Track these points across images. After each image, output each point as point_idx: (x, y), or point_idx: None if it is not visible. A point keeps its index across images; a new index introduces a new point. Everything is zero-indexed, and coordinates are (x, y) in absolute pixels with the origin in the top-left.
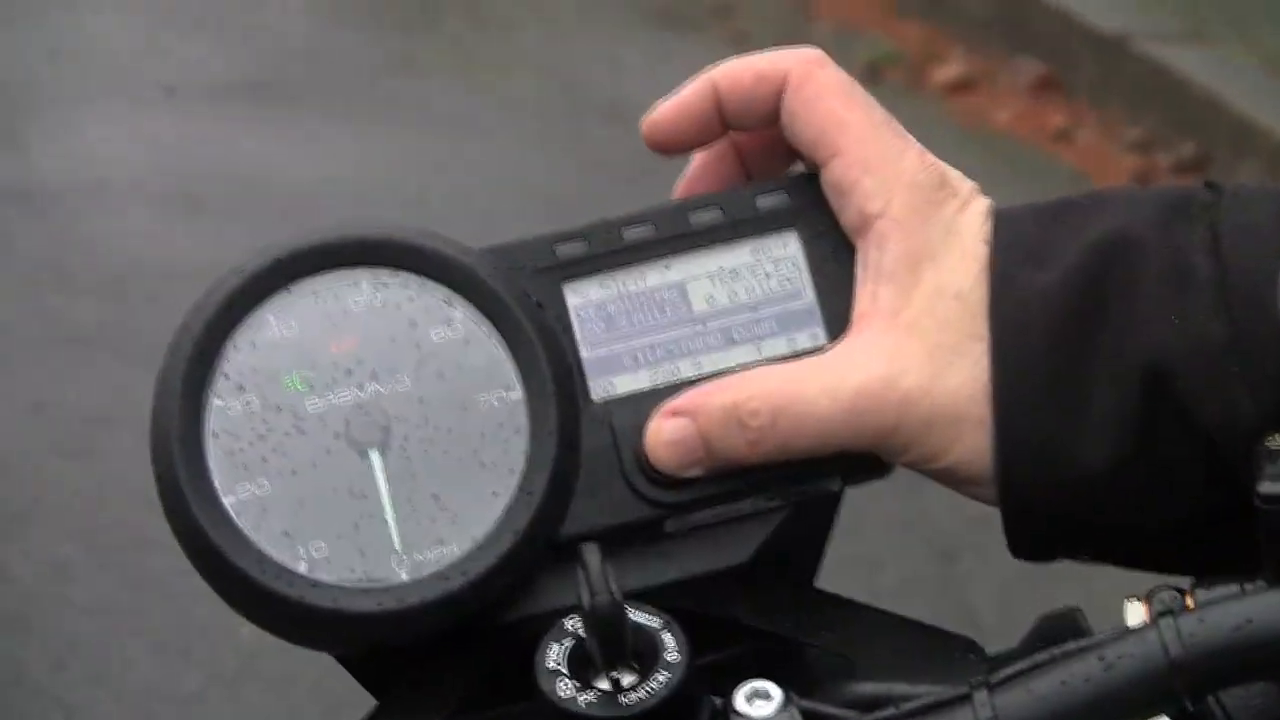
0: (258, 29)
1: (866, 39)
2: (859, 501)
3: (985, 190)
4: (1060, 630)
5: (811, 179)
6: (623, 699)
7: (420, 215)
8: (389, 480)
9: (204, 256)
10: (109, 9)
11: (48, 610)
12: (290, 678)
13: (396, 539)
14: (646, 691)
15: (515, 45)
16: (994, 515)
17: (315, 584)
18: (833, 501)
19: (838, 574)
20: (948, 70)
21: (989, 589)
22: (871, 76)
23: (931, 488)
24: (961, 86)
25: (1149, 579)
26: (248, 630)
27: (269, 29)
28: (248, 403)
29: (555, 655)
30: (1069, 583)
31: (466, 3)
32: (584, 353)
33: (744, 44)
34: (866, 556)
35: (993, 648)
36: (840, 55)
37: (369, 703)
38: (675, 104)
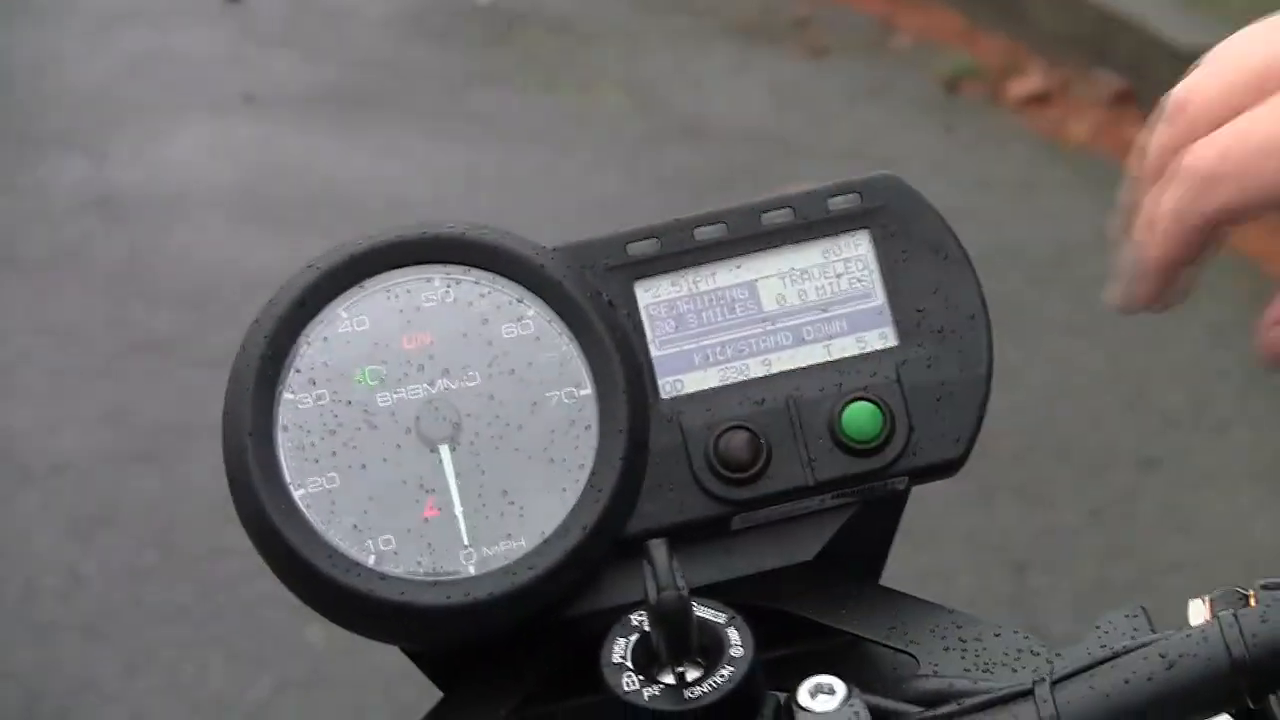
0: (339, 42)
1: (946, 53)
2: (932, 510)
3: (1063, 202)
4: (1123, 628)
5: (885, 180)
6: (687, 693)
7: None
8: (458, 475)
9: (281, 267)
10: (193, 23)
11: (121, 616)
12: (360, 682)
13: (465, 533)
14: (711, 686)
15: (595, 60)
16: (1064, 527)
17: (383, 577)
18: (899, 500)
19: (910, 586)
20: (1026, 83)
21: (1060, 601)
22: (950, 90)
23: (1001, 499)
24: (1039, 99)
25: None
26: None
27: (350, 42)
28: (319, 397)
29: (621, 649)
30: (1141, 594)
31: (547, 18)
32: (654, 351)
33: (823, 58)
34: (939, 568)
35: (1059, 645)
36: (919, 69)
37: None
38: None
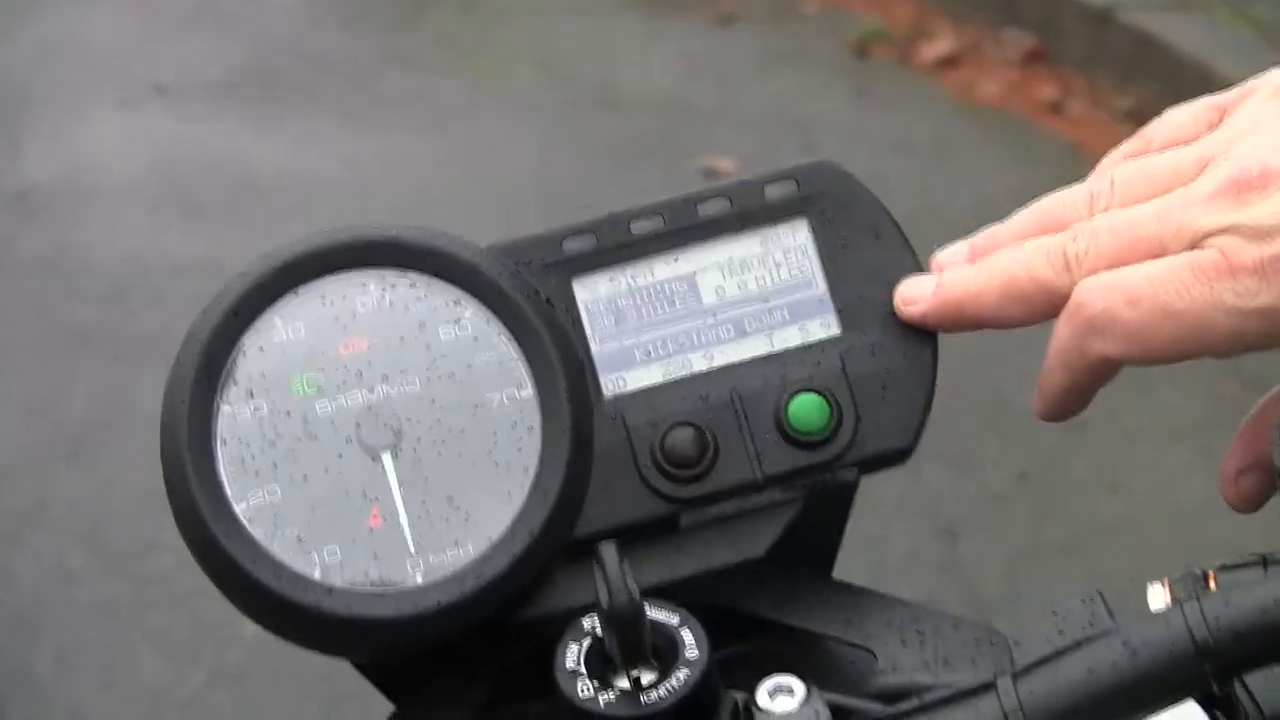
0: (248, 27)
1: (854, 18)
2: (861, 482)
3: (977, 163)
4: (1080, 615)
5: (821, 167)
6: (643, 697)
7: (416, 210)
8: (402, 483)
9: (201, 255)
10: (99, 8)
11: (54, 612)
12: (295, 671)
13: (411, 542)
14: (667, 689)
15: (504, 36)
16: (996, 493)
17: (330, 590)
18: (849, 492)
19: (842, 555)
20: (936, 46)
21: (992, 566)
22: (861, 55)
23: (932, 466)
24: (950, 61)
25: (1162, 558)
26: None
27: (260, 27)
28: (257, 408)
29: (574, 655)
30: (1072, 559)
31: None
32: (595, 348)
33: (731, 25)
34: (870, 536)
35: (1012, 634)
36: (829, 34)
37: (374, 694)
38: None
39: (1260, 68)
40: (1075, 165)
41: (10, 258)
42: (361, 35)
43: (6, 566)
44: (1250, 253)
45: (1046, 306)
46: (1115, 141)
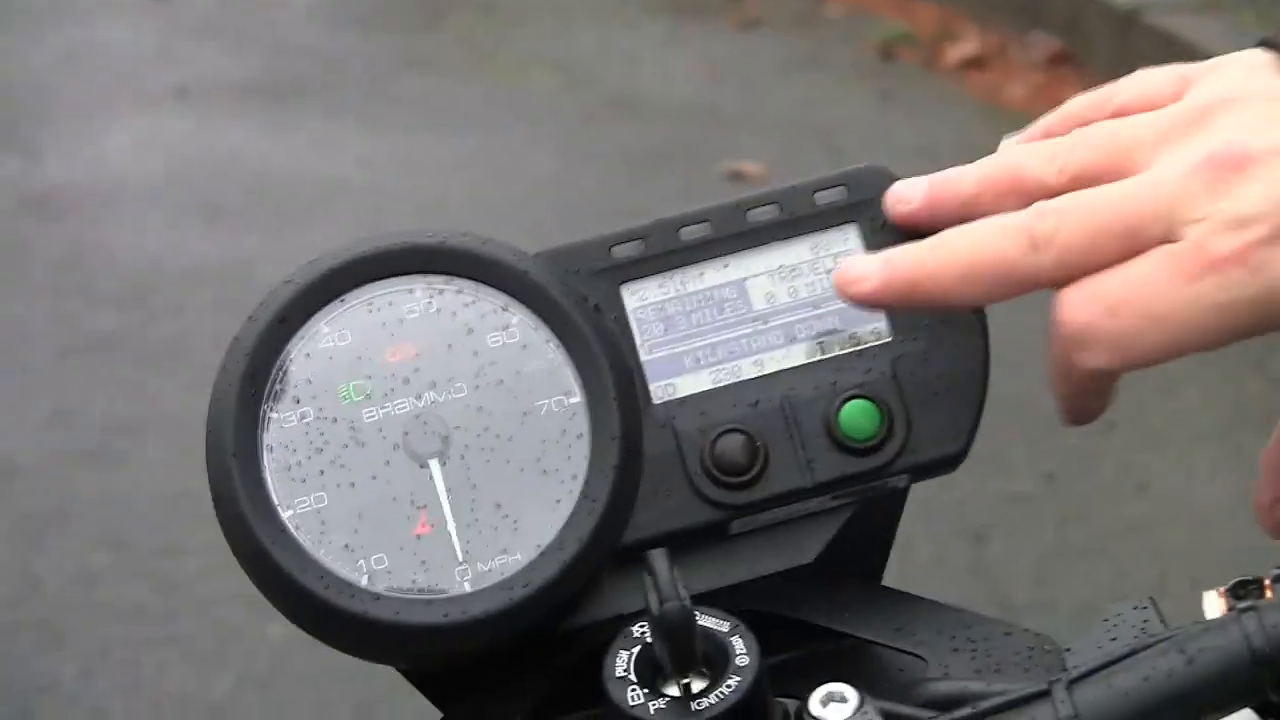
0: (266, 32)
1: (879, 21)
2: None
3: None
4: (1132, 621)
5: (871, 172)
6: (694, 705)
7: (435, 214)
8: (449, 490)
9: (221, 258)
10: (121, 15)
11: (77, 618)
12: (323, 675)
13: (459, 549)
14: (718, 697)
15: (525, 40)
16: (1023, 495)
17: (377, 596)
18: (899, 499)
19: None
20: (961, 48)
21: (1020, 569)
22: (885, 58)
23: (956, 473)
24: (976, 64)
25: (1189, 560)
26: (277, 629)
27: (277, 31)
28: (304, 415)
29: (623, 662)
30: (1099, 561)
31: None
32: (644, 355)
33: (754, 30)
34: (896, 539)
35: (1063, 640)
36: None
37: (403, 697)
38: None
39: None
40: None
41: (31, 260)
42: (380, 38)
43: (30, 568)
44: (1229, 242)
45: (1009, 287)
46: None
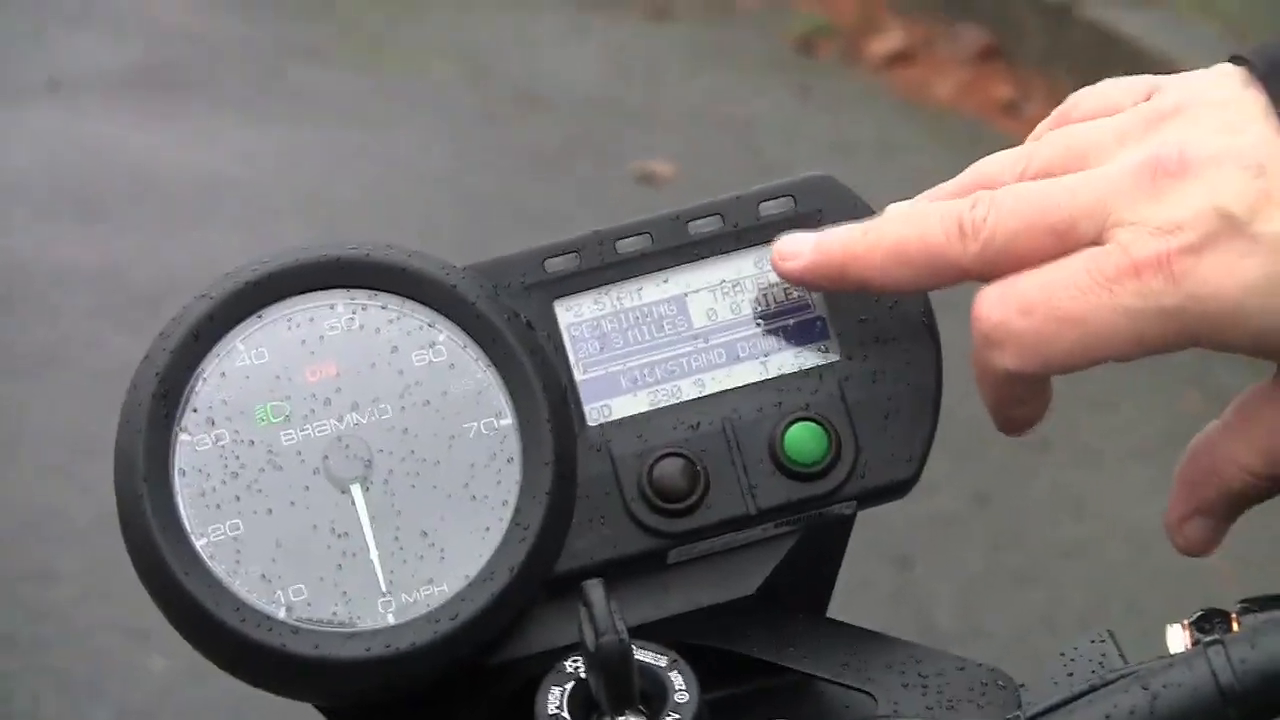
0: (145, 17)
1: (797, 12)
2: None
3: (925, 167)
4: (1090, 655)
5: (819, 181)
6: None
7: (324, 214)
8: (373, 517)
9: (97, 260)
10: None
11: None
12: (206, 710)
13: (382, 580)
14: None
15: (421, 29)
16: (947, 519)
17: (296, 630)
18: (845, 526)
19: None
20: (885, 42)
21: (946, 594)
22: (805, 50)
23: None
24: (900, 58)
25: (1126, 584)
26: (158, 664)
27: (157, 17)
28: (218, 437)
29: (556, 699)
30: (1031, 587)
31: None
32: (578, 375)
33: (664, 20)
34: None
35: (1019, 676)
36: (770, 29)
37: None
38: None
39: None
40: None
41: None
42: (265, 25)
43: None
44: (1153, 247)
45: (933, 274)
46: None
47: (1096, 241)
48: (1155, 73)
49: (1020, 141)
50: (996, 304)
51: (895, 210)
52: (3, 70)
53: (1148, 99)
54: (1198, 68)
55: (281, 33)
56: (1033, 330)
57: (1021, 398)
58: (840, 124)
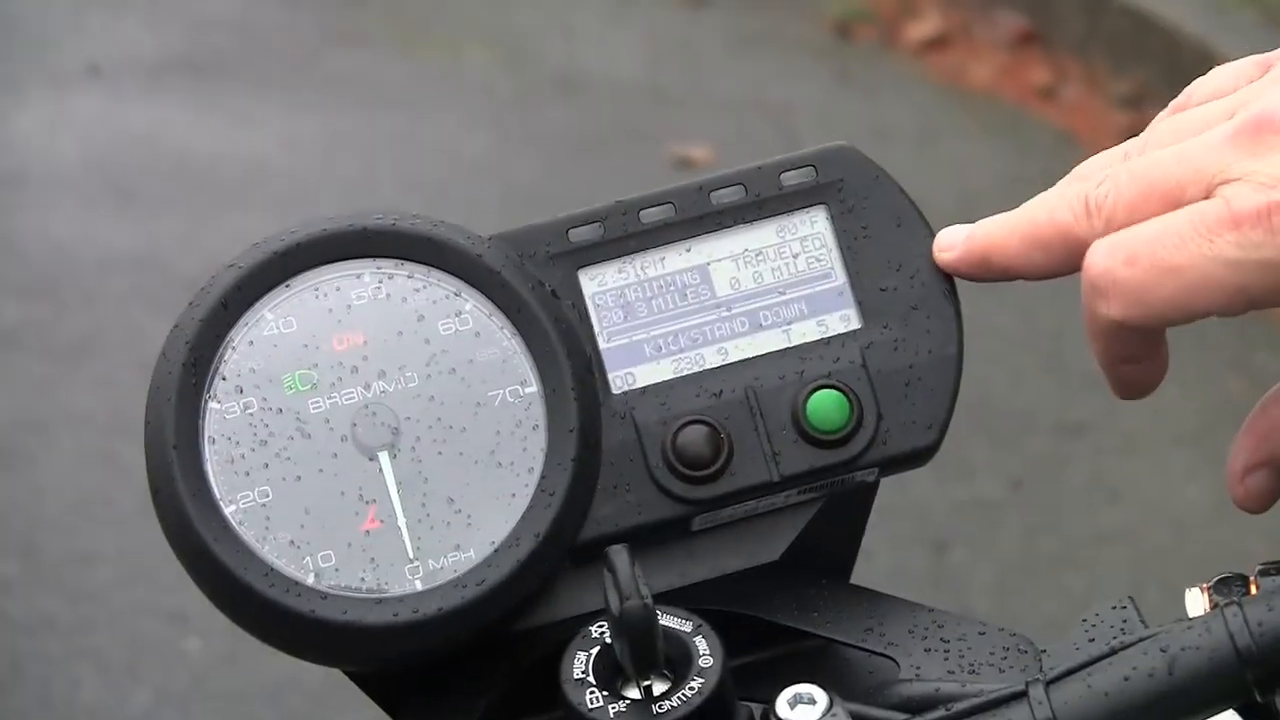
0: (183, 3)
1: None
2: None
3: (965, 153)
4: (1111, 621)
5: (840, 151)
6: (655, 708)
7: (364, 199)
8: (400, 484)
9: (136, 246)
10: None
11: None
12: (243, 693)
13: (409, 546)
14: (680, 699)
15: (459, 15)
16: (983, 504)
17: (324, 595)
18: (868, 493)
19: None
20: (922, 26)
21: (982, 578)
22: (842, 35)
23: (918, 473)
24: (937, 43)
25: (1163, 570)
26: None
27: (194, 3)
28: (247, 405)
29: (581, 664)
30: (1067, 570)
31: None
32: (602, 343)
33: (702, 6)
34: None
35: (1043, 642)
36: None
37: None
38: None
39: (1262, 48)
40: (1068, 154)
41: None
42: (304, 11)
43: None
44: (1254, 200)
45: (1066, 255)
46: (1111, 128)
47: (1205, 199)
48: (1189, 57)
49: (1055, 123)
50: (1104, 255)
51: (1031, 201)
52: (43, 56)
53: (1259, 77)
54: (1234, 54)
55: (322, 19)
56: (1135, 279)
57: (1132, 354)
58: (879, 108)
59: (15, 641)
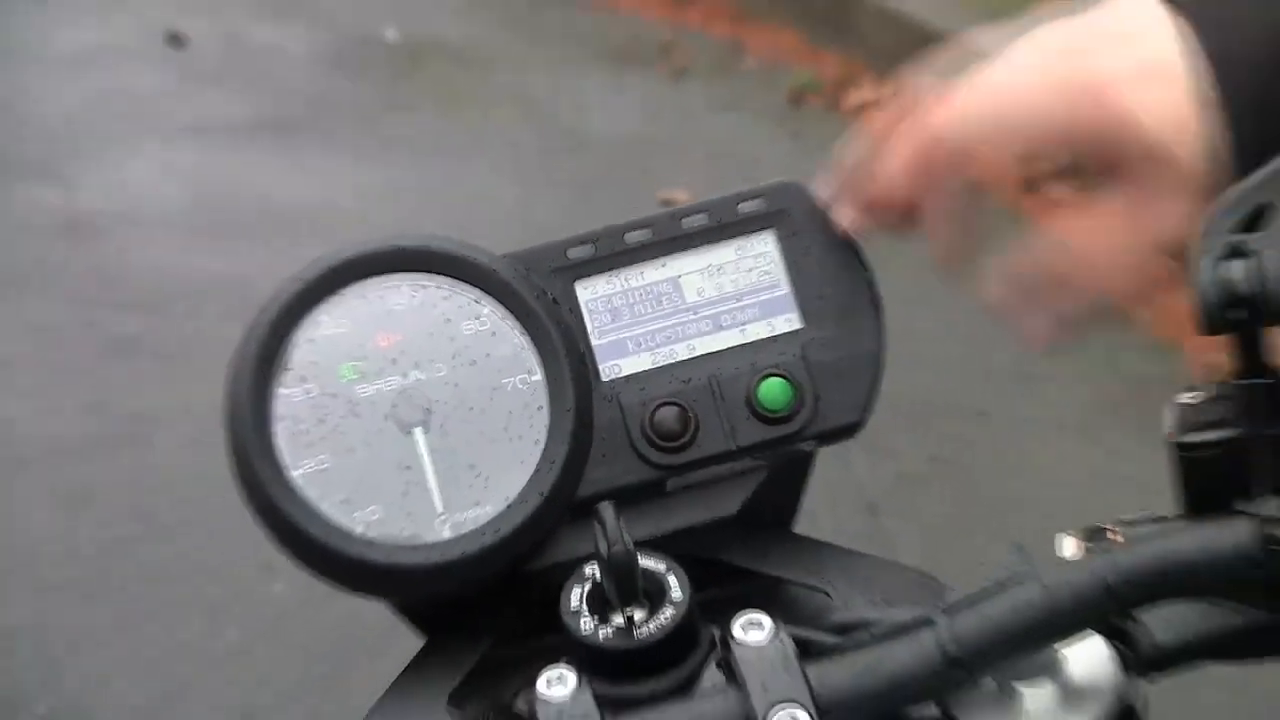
0: (269, 78)
1: (791, 70)
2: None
3: None
4: (1005, 564)
5: (786, 186)
6: (636, 632)
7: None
8: (431, 453)
9: (229, 273)
10: (143, 63)
11: (113, 579)
12: (316, 628)
13: (439, 503)
14: (656, 625)
15: (491, 85)
16: (911, 475)
17: (371, 543)
18: (808, 460)
19: None
20: (860, 93)
21: (911, 538)
22: (795, 103)
23: (852, 450)
24: (872, 106)
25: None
26: (280, 587)
27: (278, 77)
28: (308, 390)
29: (577, 597)
30: (981, 533)
31: (448, 51)
32: (594, 340)
33: (684, 78)
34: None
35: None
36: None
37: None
38: None
39: None
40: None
41: (67, 274)
42: (367, 83)
43: (70, 535)
44: None
45: None
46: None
47: None
48: None
49: None
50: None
51: None
52: (154, 119)
53: None
54: None
55: (380, 90)
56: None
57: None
58: (825, 161)
59: (139, 589)
